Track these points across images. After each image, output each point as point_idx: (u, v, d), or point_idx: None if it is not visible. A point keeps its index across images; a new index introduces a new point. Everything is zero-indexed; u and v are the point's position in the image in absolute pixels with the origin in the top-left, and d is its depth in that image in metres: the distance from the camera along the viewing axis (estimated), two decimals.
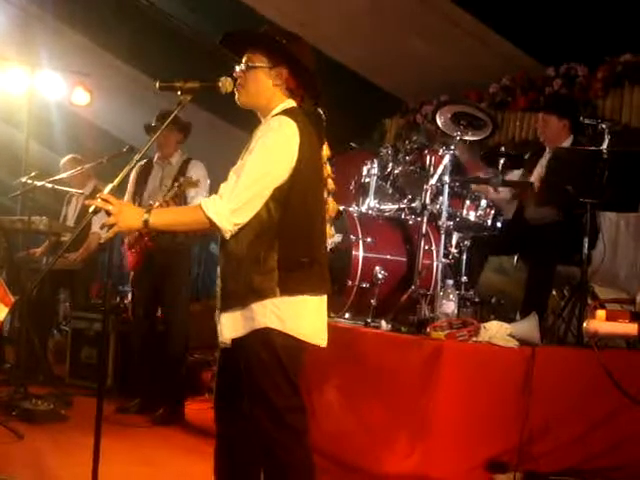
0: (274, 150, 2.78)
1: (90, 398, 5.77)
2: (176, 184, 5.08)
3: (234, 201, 2.71)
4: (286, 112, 2.88)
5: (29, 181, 6.27)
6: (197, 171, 5.65)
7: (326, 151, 2.99)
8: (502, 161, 5.19)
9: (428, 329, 4.40)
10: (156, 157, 5.86)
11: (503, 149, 5.42)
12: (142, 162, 5.67)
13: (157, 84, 3.09)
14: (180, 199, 5.14)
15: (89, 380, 6.23)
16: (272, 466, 2.88)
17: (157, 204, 4.95)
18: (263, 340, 2.78)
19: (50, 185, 6.26)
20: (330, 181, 3.00)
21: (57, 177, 6.51)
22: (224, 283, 2.91)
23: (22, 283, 5.93)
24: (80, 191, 6.86)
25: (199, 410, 5.88)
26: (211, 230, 2.77)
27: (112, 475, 3.69)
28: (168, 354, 5.59)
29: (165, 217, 2.93)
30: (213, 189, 5.33)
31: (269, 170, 2.76)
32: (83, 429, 5.09)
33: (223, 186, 2.77)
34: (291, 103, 2.95)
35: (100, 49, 6.87)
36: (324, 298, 2.91)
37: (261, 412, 2.82)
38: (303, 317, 2.82)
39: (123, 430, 5.22)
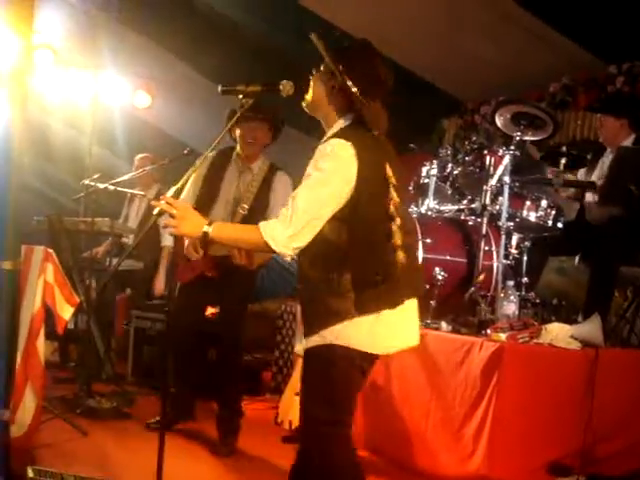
0: (329, 175, 2.73)
1: (151, 396, 5.91)
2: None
3: (292, 227, 2.69)
4: (342, 132, 2.83)
5: (92, 183, 6.39)
6: (285, 188, 4.95)
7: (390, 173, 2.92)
8: (563, 161, 5.14)
9: (489, 330, 4.37)
10: (235, 154, 5.09)
11: (564, 149, 5.36)
12: (212, 154, 4.86)
13: (219, 88, 3.14)
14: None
15: (151, 379, 6.31)
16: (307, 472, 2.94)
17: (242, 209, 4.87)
18: (322, 353, 2.82)
19: (113, 187, 6.36)
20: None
21: (121, 178, 6.61)
22: (303, 307, 2.98)
23: (85, 283, 6.03)
24: (142, 193, 6.95)
25: (259, 410, 5.93)
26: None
27: (176, 472, 3.72)
28: (221, 358, 5.33)
29: (225, 233, 2.91)
30: None
31: (326, 194, 2.73)
32: (144, 427, 5.23)
33: (283, 211, 2.74)
34: (348, 120, 2.89)
35: (161, 51, 6.96)
36: (404, 306, 2.88)
37: (302, 421, 2.95)
38: (377, 332, 2.81)
39: (185, 427, 5.25)
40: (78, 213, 7.44)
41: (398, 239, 2.82)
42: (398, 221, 2.83)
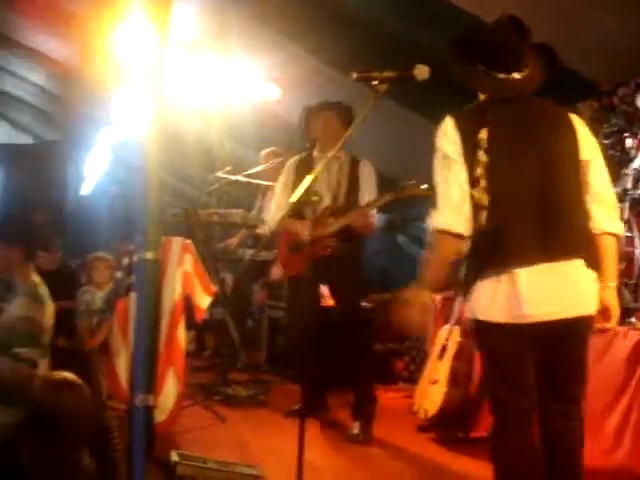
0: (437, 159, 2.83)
1: (286, 385, 5.99)
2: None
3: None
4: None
5: (224, 175, 6.51)
6: (370, 171, 5.15)
7: None
8: None
9: (633, 319, 4.21)
10: (316, 151, 5.20)
11: None
12: (298, 156, 5.33)
13: (354, 75, 3.13)
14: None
15: (285, 367, 6.38)
16: None
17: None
18: None
19: (245, 179, 6.46)
20: None
21: (251, 170, 6.71)
22: None
23: (220, 274, 6.17)
24: (272, 183, 7.03)
25: (393, 399, 5.92)
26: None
27: (313, 459, 3.74)
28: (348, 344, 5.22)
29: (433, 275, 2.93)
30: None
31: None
32: (281, 414, 5.30)
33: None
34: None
35: (290, 45, 7.00)
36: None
37: None
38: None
39: (320, 416, 5.28)
40: (210, 205, 7.60)
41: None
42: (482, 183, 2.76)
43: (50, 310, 4.09)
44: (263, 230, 6.72)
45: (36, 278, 4.11)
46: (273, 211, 5.30)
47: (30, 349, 3.87)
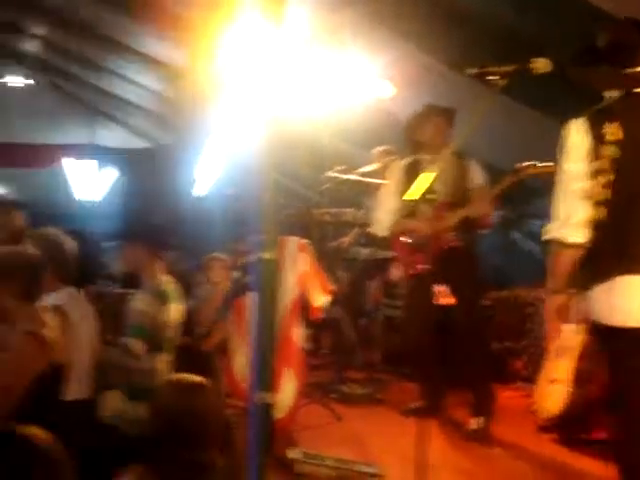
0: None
1: (402, 383, 5.96)
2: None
3: None
4: None
5: (336, 174, 6.53)
6: (478, 167, 5.23)
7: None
8: None
9: None
10: (424, 153, 5.28)
11: None
12: (405, 161, 5.45)
13: (472, 70, 3.09)
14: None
15: (401, 366, 6.35)
16: None
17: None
18: None
19: (357, 177, 6.46)
20: None
21: (363, 169, 6.70)
22: None
23: (334, 273, 6.19)
24: (387, 182, 6.99)
25: (512, 399, 5.81)
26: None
27: (432, 457, 3.69)
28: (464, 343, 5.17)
29: None
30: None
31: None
32: (398, 412, 5.28)
33: None
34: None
35: (401, 41, 6.96)
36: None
37: None
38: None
39: (438, 414, 5.20)
40: (322, 205, 7.63)
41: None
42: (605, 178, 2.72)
43: (173, 309, 4.24)
44: (374, 230, 6.73)
45: (163, 277, 4.29)
46: (383, 216, 5.33)
47: (137, 341, 4.06)
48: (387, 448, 4.54)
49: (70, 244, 3.87)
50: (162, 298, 4.20)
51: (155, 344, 4.12)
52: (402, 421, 5.07)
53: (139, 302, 4.19)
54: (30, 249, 3.36)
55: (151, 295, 4.19)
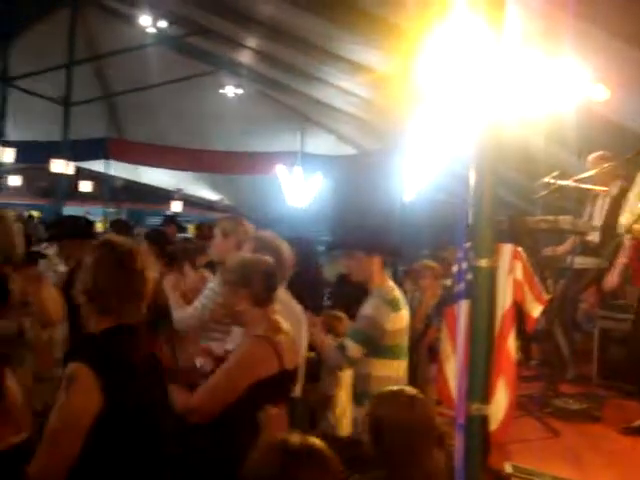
0: None
1: (622, 400, 5.66)
2: None
3: None
4: None
5: (552, 181, 6.31)
6: None
7: None
8: None
9: None
10: None
11: None
12: None
13: None
14: None
15: (622, 382, 6.03)
16: None
17: None
18: None
19: (574, 184, 6.23)
20: None
21: (581, 176, 6.45)
22: None
23: (546, 282, 5.99)
24: (604, 188, 6.70)
25: None
26: None
27: None
28: None
29: None
30: None
31: None
32: (618, 430, 5.02)
33: None
34: None
35: (616, 42, 6.66)
36: None
37: None
38: None
39: None
40: (533, 212, 7.42)
41: None
42: None
43: (400, 316, 4.30)
44: (593, 237, 6.45)
45: (391, 283, 4.36)
46: (627, 220, 5.21)
47: (356, 346, 4.19)
48: (605, 467, 4.32)
49: (287, 249, 4.00)
50: (394, 305, 4.28)
51: (374, 350, 4.19)
52: (622, 439, 4.82)
53: (369, 308, 4.28)
54: (266, 257, 3.49)
55: (382, 302, 4.26)
